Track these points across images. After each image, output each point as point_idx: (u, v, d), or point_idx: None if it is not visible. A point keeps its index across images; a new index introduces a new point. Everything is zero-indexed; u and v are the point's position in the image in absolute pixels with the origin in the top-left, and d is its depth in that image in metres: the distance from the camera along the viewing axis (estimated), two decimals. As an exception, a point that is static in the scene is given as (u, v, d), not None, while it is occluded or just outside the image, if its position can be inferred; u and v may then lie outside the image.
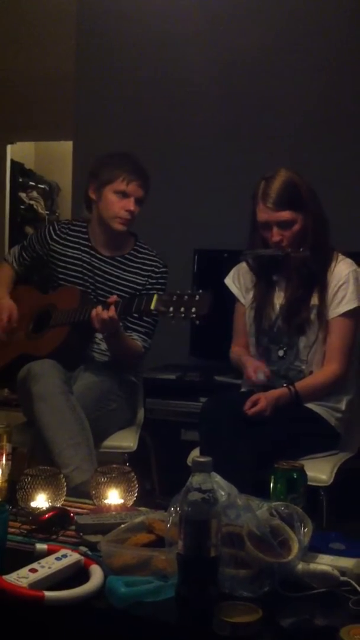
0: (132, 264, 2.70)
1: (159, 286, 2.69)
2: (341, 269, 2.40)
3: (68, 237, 2.74)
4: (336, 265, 2.40)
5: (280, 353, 2.43)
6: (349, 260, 2.43)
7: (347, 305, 2.37)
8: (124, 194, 2.60)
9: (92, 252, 2.71)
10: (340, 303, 2.38)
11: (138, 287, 2.67)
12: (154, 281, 2.69)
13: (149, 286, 2.68)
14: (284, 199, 2.35)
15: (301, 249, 2.36)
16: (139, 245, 2.75)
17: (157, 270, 2.70)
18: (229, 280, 2.60)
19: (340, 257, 2.43)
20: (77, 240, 2.73)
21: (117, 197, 2.60)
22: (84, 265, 2.69)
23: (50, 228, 2.78)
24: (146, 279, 2.68)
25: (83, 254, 2.70)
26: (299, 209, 2.36)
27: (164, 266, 2.72)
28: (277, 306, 2.45)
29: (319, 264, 2.40)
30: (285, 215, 2.36)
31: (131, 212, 2.61)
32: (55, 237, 2.75)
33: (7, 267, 2.87)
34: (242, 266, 2.58)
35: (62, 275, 2.70)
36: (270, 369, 2.42)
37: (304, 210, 2.37)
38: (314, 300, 2.39)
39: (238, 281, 2.58)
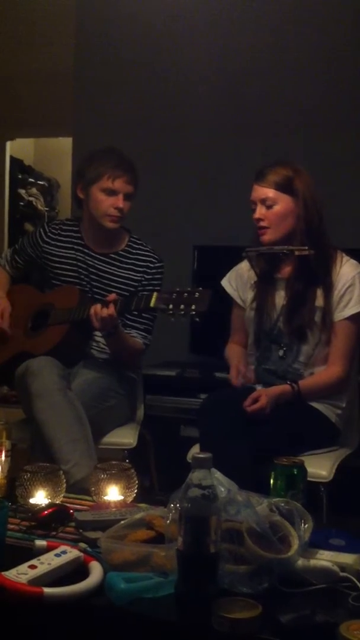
0: (126, 260, 2.69)
1: (155, 282, 2.68)
2: (347, 271, 2.38)
3: (60, 238, 2.73)
4: (342, 267, 2.39)
5: (281, 353, 2.43)
6: (354, 262, 2.42)
7: (353, 308, 2.36)
8: (111, 192, 2.58)
9: (86, 250, 2.70)
10: (347, 306, 2.37)
11: (134, 283, 2.66)
12: (150, 277, 2.68)
13: (145, 282, 2.67)
14: (273, 178, 2.37)
15: (306, 248, 2.35)
16: (133, 241, 2.74)
17: (151, 265, 2.69)
18: (225, 282, 2.59)
19: (345, 258, 2.41)
20: (69, 239, 2.72)
21: (105, 195, 2.59)
22: (79, 264, 2.68)
23: (42, 230, 2.77)
24: (141, 274, 2.68)
25: (77, 253, 2.69)
26: (287, 192, 2.36)
27: (159, 261, 2.71)
28: (279, 306, 2.44)
29: (321, 262, 2.39)
30: (268, 192, 2.36)
31: (120, 209, 2.59)
32: (47, 239, 2.74)
33: (0, 271, 2.87)
34: (240, 267, 2.57)
35: (57, 276, 2.69)
36: (269, 368, 2.43)
37: (294, 196, 2.36)
38: (319, 302, 2.38)
39: (235, 282, 2.57)
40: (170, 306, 2.22)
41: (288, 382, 2.36)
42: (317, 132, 3.65)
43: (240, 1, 3.85)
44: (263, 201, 2.38)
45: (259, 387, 2.38)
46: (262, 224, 2.39)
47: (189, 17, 3.92)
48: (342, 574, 1.40)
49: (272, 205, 2.37)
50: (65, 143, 5.03)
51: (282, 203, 2.37)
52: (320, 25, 3.68)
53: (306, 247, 2.35)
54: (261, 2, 3.82)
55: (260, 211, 2.39)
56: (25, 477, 1.80)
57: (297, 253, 2.37)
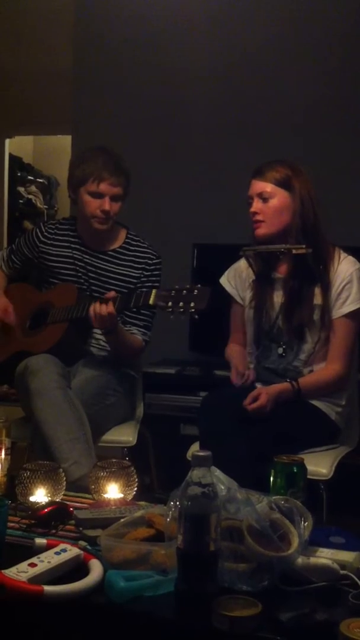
0: (124, 257, 2.69)
1: (154, 278, 2.68)
2: (345, 267, 2.38)
3: (56, 237, 2.73)
4: (339, 264, 2.38)
5: (280, 351, 2.42)
6: (351, 259, 2.41)
7: (351, 305, 2.36)
8: (97, 195, 2.57)
9: (83, 248, 2.69)
10: (345, 303, 2.36)
11: (133, 280, 2.66)
12: (149, 273, 2.68)
13: (144, 279, 2.67)
14: (271, 175, 2.37)
15: (304, 246, 2.35)
16: (131, 238, 2.73)
17: (150, 262, 2.69)
18: (224, 280, 2.59)
19: (343, 255, 2.41)
20: (66, 238, 2.72)
21: (91, 197, 2.58)
22: (76, 262, 2.68)
23: (37, 231, 2.77)
24: (140, 271, 2.67)
25: (74, 252, 2.69)
26: (284, 187, 2.36)
27: (157, 257, 2.71)
28: (277, 305, 2.44)
29: (318, 260, 2.38)
30: (266, 187, 2.37)
31: (106, 212, 2.58)
32: (43, 238, 2.73)
33: None
34: (238, 265, 2.57)
35: (55, 275, 2.69)
36: (268, 366, 2.43)
37: (291, 192, 2.36)
38: (317, 299, 2.38)
39: (234, 280, 2.57)
40: (170, 303, 2.22)
41: (288, 380, 2.36)
42: (317, 132, 3.65)
43: (240, 1, 3.85)
44: (260, 195, 2.39)
45: (258, 386, 2.38)
46: (257, 217, 2.40)
47: (189, 16, 3.91)
48: (342, 572, 1.40)
49: (268, 198, 2.37)
50: (64, 141, 5.03)
51: (279, 197, 2.37)
52: (320, 24, 3.68)
53: (303, 246, 2.34)
54: (261, 1, 3.81)
55: (256, 205, 2.39)
56: (25, 475, 1.80)
57: (294, 252, 2.36)
